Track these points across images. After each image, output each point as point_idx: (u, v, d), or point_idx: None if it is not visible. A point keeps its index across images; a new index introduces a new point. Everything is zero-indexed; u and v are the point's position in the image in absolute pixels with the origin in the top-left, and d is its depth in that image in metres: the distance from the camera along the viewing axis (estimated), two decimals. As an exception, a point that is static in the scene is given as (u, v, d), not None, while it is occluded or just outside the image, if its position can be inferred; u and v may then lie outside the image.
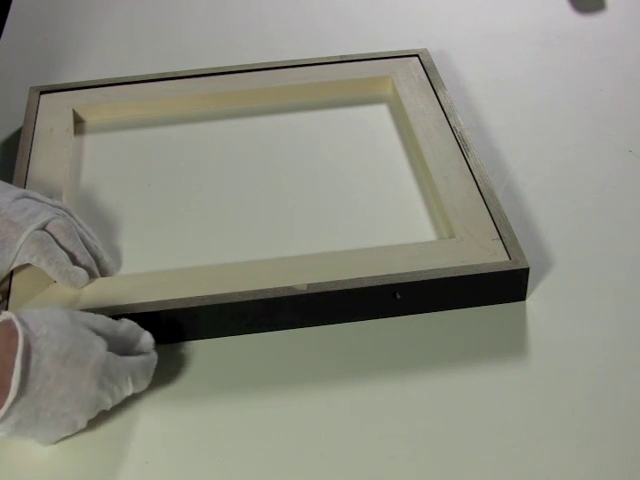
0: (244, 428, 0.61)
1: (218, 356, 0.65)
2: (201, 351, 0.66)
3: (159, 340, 0.63)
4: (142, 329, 0.62)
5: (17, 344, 0.55)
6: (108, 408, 0.59)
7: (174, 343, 0.66)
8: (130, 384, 0.59)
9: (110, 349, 0.59)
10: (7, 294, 0.66)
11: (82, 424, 0.58)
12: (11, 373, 0.54)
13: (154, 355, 0.62)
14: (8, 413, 0.54)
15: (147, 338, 0.62)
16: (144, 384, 0.61)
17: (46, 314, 0.58)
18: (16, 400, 0.54)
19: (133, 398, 0.62)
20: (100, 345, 0.58)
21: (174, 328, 0.65)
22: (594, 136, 0.85)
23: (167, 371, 0.64)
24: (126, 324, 0.62)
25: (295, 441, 0.60)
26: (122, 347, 0.60)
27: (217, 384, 0.64)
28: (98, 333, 0.59)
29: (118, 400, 0.60)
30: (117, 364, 0.58)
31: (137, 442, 0.60)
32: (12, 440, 0.59)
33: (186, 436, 0.60)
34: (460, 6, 1.05)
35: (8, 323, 0.56)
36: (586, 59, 0.95)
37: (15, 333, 0.55)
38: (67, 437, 0.59)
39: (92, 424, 0.60)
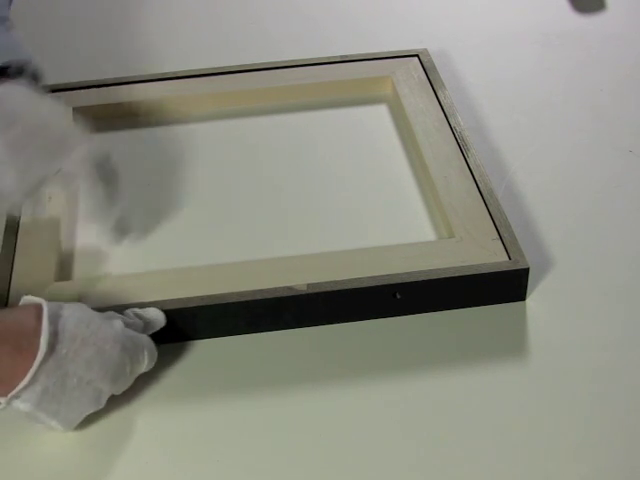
0: (244, 428, 0.61)
1: (218, 356, 0.65)
2: (201, 351, 0.66)
3: (159, 340, 0.63)
4: (144, 310, 0.64)
5: (43, 310, 0.56)
6: (126, 380, 0.60)
7: (174, 343, 0.65)
8: (146, 357, 0.61)
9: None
10: (7, 293, 0.66)
11: (105, 398, 0.59)
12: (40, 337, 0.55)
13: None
14: (35, 379, 0.55)
15: (149, 314, 0.63)
16: (152, 363, 0.62)
17: (63, 303, 0.60)
18: (44, 361, 0.55)
19: (133, 397, 0.62)
20: (117, 317, 0.60)
21: (174, 328, 0.65)
22: (594, 136, 0.85)
23: (167, 371, 0.64)
24: (128, 313, 0.63)
25: (295, 441, 0.60)
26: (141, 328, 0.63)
27: (217, 384, 0.64)
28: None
29: (134, 374, 0.61)
30: (135, 334, 0.60)
31: (137, 442, 0.60)
32: (15, 436, 0.60)
33: (186, 436, 0.60)
34: (460, 6, 1.05)
35: (31, 302, 0.58)
36: (586, 59, 0.95)
37: (40, 307, 0.57)
38: (67, 437, 0.60)
39: (92, 424, 0.60)
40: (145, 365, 0.61)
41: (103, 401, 0.59)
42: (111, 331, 0.59)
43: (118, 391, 0.60)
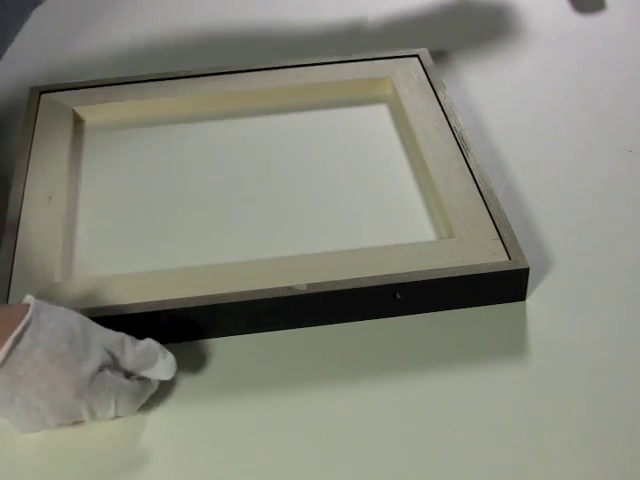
0: (244, 428, 0.61)
1: (217, 356, 0.65)
2: (200, 351, 0.66)
3: (158, 340, 0.63)
4: (164, 352, 0.62)
5: (19, 326, 0.57)
6: (86, 420, 0.59)
7: (173, 343, 0.65)
8: (112, 406, 0.59)
9: (114, 367, 0.59)
10: (7, 293, 0.66)
11: (52, 425, 0.58)
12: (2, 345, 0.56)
13: (154, 384, 0.62)
14: None
15: (165, 363, 0.61)
16: (130, 410, 0.60)
17: (62, 314, 0.59)
18: None
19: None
20: (96, 360, 0.58)
21: (173, 328, 0.65)
22: (594, 136, 0.85)
23: (167, 371, 0.64)
24: (143, 345, 0.61)
25: (295, 441, 0.60)
26: (135, 367, 0.60)
27: (217, 384, 0.64)
28: (106, 349, 0.59)
29: (100, 417, 0.59)
30: (104, 382, 0.58)
31: (137, 442, 0.60)
32: (11, 439, 0.60)
33: (186, 436, 0.60)
34: (460, 6, 1.05)
35: (26, 305, 0.58)
36: (586, 59, 0.95)
37: (21, 319, 0.57)
38: (66, 436, 0.60)
39: (92, 423, 0.60)
40: (112, 413, 0.59)
41: (50, 425, 0.58)
42: (76, 373, 0.57)
43: (72, 421, 0.59)
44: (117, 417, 0.60)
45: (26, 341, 0.56)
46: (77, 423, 0.59)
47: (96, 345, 0.59)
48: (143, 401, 0.61)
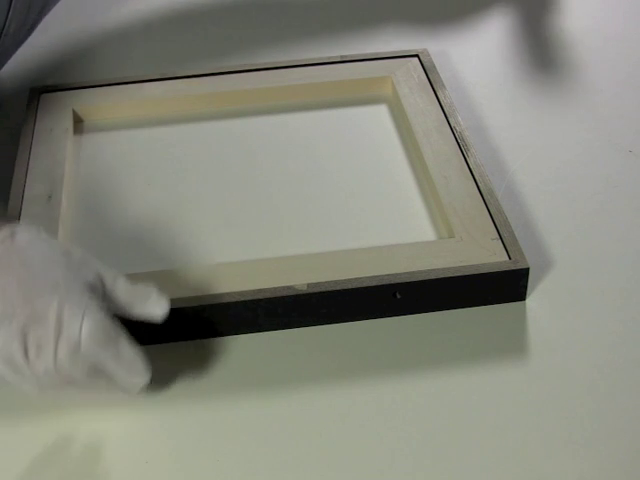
0: (244, 428, 0.61)
1: (217, 356, 0.65)
2: (200, 351, 0.66)
3: (158, 339, 0.63)
4: (160, 293, 0.61)
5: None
6: (50, 333, 0.55)
7: (173, 342, 0.65)
8: (79, 320, 0.55)
9: (102, 300, 0.59)
10: None
11: (15, 326, 0.54)
12: None
13: (135, 364, 0.58)
14: None
15: (158, 298, 0.61)
16: (93, 343, 0.55)
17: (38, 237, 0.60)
18: None
19: (133, 396, 0.62)
20: (84, 274, 0.58)
21: (173, 327, 0.65)
22: (594, 136, 0.85)
23: (166, 371, 0.64)
24: (139, 285, 0.61)
25: (295, 441, 0.60)
26: (125, 302, 0.60)
27: (216, 384, 0.64)
28: (98, 273, 0.60)
29: (64, 334, 0.54)
30: (83, 292, 0.57)
31: (137, 442, 0.60)
32: (16, 436, 0.60)
33: (186, 436, 0.60)
34: (460, 6, 1.05)
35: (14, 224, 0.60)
36: (586, 59, 0.95)
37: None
38: (66, 435, 0.60)
39: (92, 423, 0.60)
40: (79, 330, 0.54)
41: (13, 326, 0.54)
42: (61, 271, 0.57)
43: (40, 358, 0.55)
44: (79, 347, 0.55)
45: (24, 235, 0.58)
46: (74, 421, 0.59)
47: (90, 267, 0.59)
48: (110, 339, 0.56)
